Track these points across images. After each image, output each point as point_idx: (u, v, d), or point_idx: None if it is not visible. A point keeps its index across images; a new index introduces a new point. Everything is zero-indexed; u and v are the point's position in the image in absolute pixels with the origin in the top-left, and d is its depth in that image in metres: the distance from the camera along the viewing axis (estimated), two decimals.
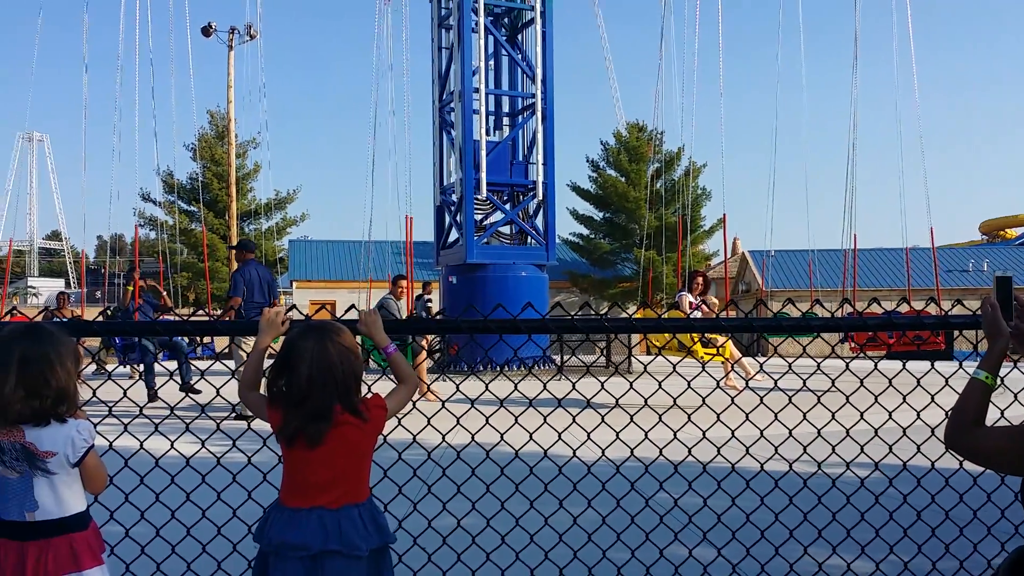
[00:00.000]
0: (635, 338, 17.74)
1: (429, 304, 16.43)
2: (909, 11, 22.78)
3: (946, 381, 3.20)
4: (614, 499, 3.24)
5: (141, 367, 11.34)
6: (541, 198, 16.71)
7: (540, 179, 16.60)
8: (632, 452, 3.19)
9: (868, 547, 3.33)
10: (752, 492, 3.26)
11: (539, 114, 16.50)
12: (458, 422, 3.13)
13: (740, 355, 10.54)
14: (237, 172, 34.12)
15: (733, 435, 3.27)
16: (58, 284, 66.49)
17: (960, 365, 3.11)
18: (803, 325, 3.07)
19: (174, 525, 3.04)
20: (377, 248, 29.94)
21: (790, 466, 3.28)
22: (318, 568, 2.32)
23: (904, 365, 3.33)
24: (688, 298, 10.52)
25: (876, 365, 3.33)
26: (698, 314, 10.37)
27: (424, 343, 10.15)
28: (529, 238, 17.01)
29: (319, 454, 2.37)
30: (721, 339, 10.01)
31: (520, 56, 17.12)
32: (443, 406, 3.30)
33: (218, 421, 3.06)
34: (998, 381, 2.08)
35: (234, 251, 10.60)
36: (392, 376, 2.65)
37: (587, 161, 40.09)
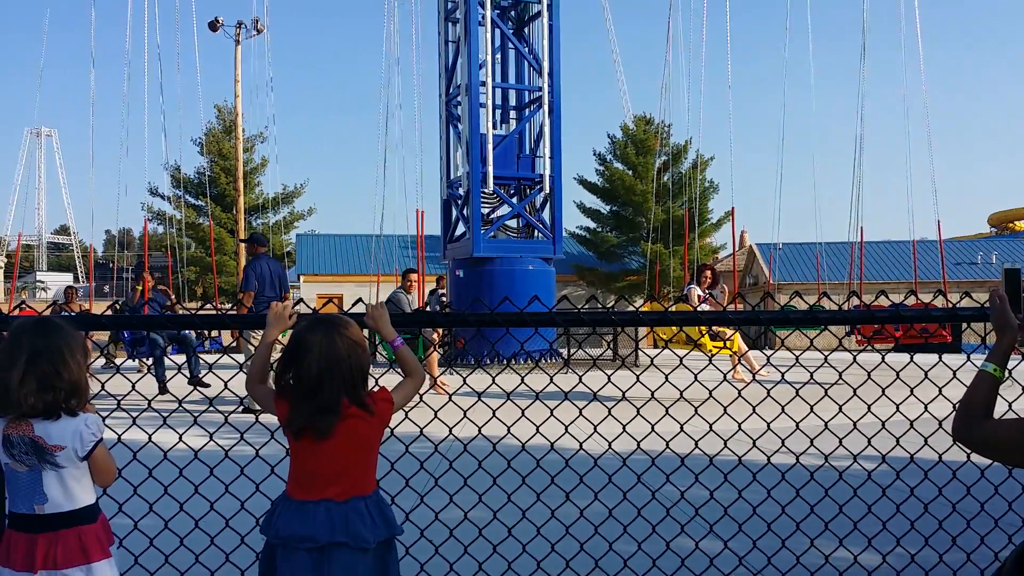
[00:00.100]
0: (642, 331, 17.74)
1: (443, 298, 16.44)
2: (917, 2, 22.64)
3: (954, 374, 3.20)
4: (621, 492, 3.24)
5: (149, 361, 11.39)
6: (548, 191, 16.70)
7: (547, 172, 16.59)
8: (639, 445, 3.20)
9: (875, 540, 3.33)
10: (759, 485, 3.26)
11: (546, 107, 16.48)
12: (465, 415, 3.14)
13: (747, 349, 10.54)
14: (245, 166, 34.16)
15: (740, 428, 3.27)
16: (66, 278, 66.73)
17: (968, 358, 3.11)
18: (810, 318, 3.07)
19: (182, 518, 3.06)
20: (385, 242, 29.96)
21: (797, 459, 3.28)
22: (325, 560, 2.33)
23: (912, 358, 3.33)
24: (697, 291, 10.52)
25: (883, 358, 3.32)
26: (706, 307, 10.37)
27: (435, 336, 10.18)
28: (536, 231, 17.00)
29: (326, 447, 2.38)
30: (729, 332, 10.01)
31: (527, 49, 17.09)
32: (450, 399, 3.31)
33: (226, 414, 3.07)
34: (1006, 373, 2.07)
35: (245, 245, 10.61)
36: (399, 369, 2.66)
37: (594, 154, 40.06)
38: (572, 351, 14.64)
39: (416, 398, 2.70)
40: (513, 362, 13.31)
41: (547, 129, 16.51)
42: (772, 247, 36.89)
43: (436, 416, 3.16)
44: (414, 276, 11.81)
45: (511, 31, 17.08)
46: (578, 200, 40.34)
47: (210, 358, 15.01)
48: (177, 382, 10.80)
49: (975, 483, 3.33)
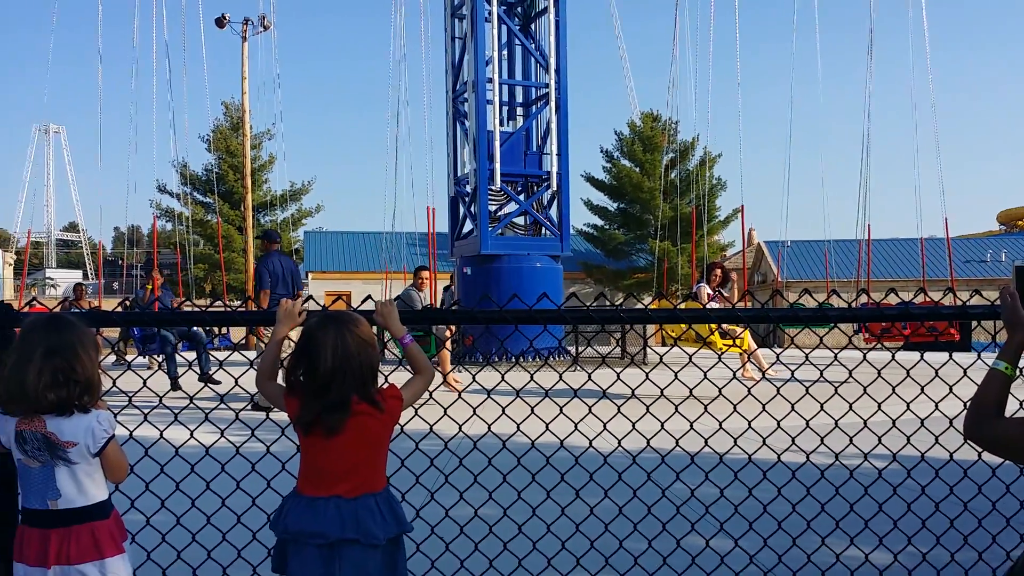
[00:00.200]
0: (650, 329, 17.72)
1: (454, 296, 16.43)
2: (924, 1, 22.54)
3: (964, 372, 3.18)
4: (631, 489, 3.24)
5: (160, 357, 11.43)
6: (555, 189, 16.68)
7: (554, 169, 16.57)
8: (648, 443, 3.19)
9: (886, 538, 3.32)
10: (769, 483, 3.25)
11: (553, 104, 16.45)
12: (475, 412, 3.15)
13: (756, 347, 10.52)
14: (252, 163, 34.21)
15: (750, 426, 3.27)
16: (75, 275, 67.02)
17: (979, 356, 3.09)
18: (820, 315, 3.06)
19: (194, 514, 3.07)
20: (393, 239, 29.98)
21: (807, 457, 3.28)
22: (336, 556, 2.34)
23: (922, 356, 3.32)
24: (706, 289, 10.50)
25: (894, 356, 3.31)
26: (715, 306, 10.35)
27: (448, 333, 10.18)
28: (543, 229, 16.98)
29: (336, 443, 2.39)
30: (739, 330, 9.99)
31: (534, 46, 17.07)
32: (459, 397, 3.31)
33: (237, 411, 3.08)
34: (1018, 372, 2.07)
35: (259, 242, 10.64)
36: (408, 366, 2.66)
37: (601, 151, 40.00)
38: (581, 349, 14.62)
39: (426, 395, 2.70)
40: (522, 360, 13.31)
41: (554, 126, 16.48)
42: (780, 244, 36.81)
43: (446, 413, 3.16)
44: (426, 273, 11.81)
45: (518, 27, 17.05)
46: (585, 197, 40.33)
47: (220, 355, 15.06)
48: (188, 379, 10.84)
49: (986, 482, 3.32)
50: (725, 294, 10.68)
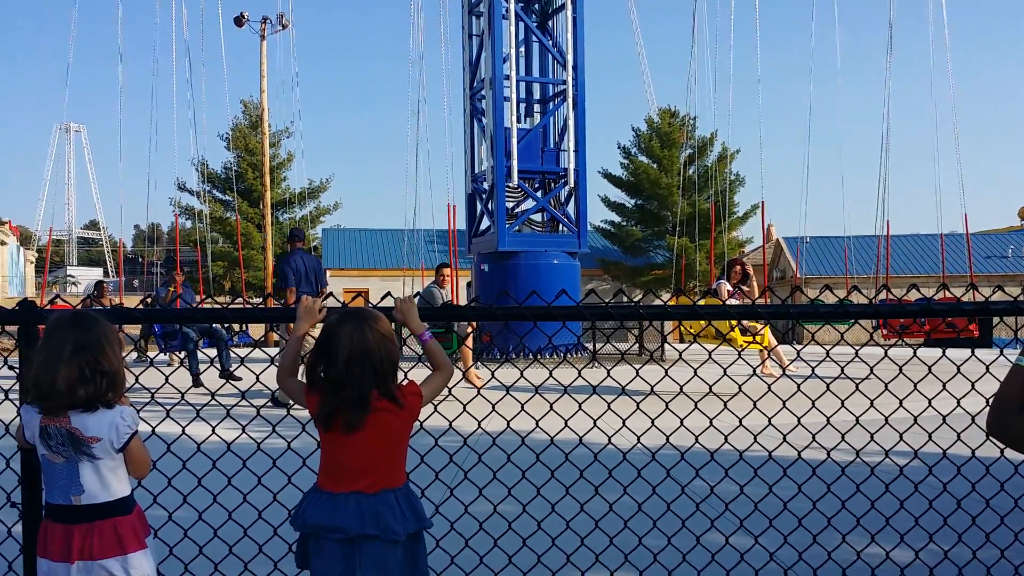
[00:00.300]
0: (668, 326, 17.66)
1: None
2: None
3: (987, 368, 3.16)
4: (650, 486, 3.24)
5: (182, 354, 11.52)
6: (572, 185, 16.66)
7: (571, 166, 16.54)
8: (668, 439, 3.19)
9: (907, 536, 3.30)
10: (789, 480, 3.24)
11: (570, 101, 16.43)
12: (493, 408, 3.15)
13: (776, 343, 10.47)
14: (271, 161, 34.39)
15: (770, 422, 3.25)
16: (96, 273, 67.58)
17: (1001, 352, 3.07)
18: (840, 311, 3.04)
19: (216, 509, 3.09)
20: (412, 236, 30.06)
21: (828, 454, 3.26)
22: (356, 552, 2.36)
23: (944, 352, 3.29)
24: (726, 286, 10.45)
25: (915, 352, 3.28)
26: (735, 302, 10.30)
27: (469, 329, 10.21)
28: (561, 225, 16.97)
29: (356, 439, 2.40)
30: (760, 326, 9.95)
31: (551, 42, 17.04)
32: (479, 393, 3.32)
33: (258, 407, 3.10)
34: None
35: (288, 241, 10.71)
36: (428, 363, 2.67)
37: (618, 148, 39.91)
38: (599, 345, 14.61)
39: (445, 391, 2.71)
40: (540, 356, 13.32)
41: (571, 122, 16.45)
42: (799, 240, 36.60)
43: (465, 409, 3.17)
44: (447, 271, 11.85)
45: (535, 24, 17.03)
46: (603, 194, 40.29)
47: (241, 352, 15.14)
48: (209, 375, 10.91)
49: (1009, 479, 3.29)
50: (745, 290, 10.63)
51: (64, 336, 2.37)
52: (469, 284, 16.78)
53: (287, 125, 40.25)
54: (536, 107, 17.71)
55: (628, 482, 3.27)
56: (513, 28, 16.34)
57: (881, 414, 3.18)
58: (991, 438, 2.02)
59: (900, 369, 3.17)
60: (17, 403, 2.63)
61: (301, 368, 2.62)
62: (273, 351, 9.67)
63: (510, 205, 16.61)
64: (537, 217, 17.21)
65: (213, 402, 3.11)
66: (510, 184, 16.22)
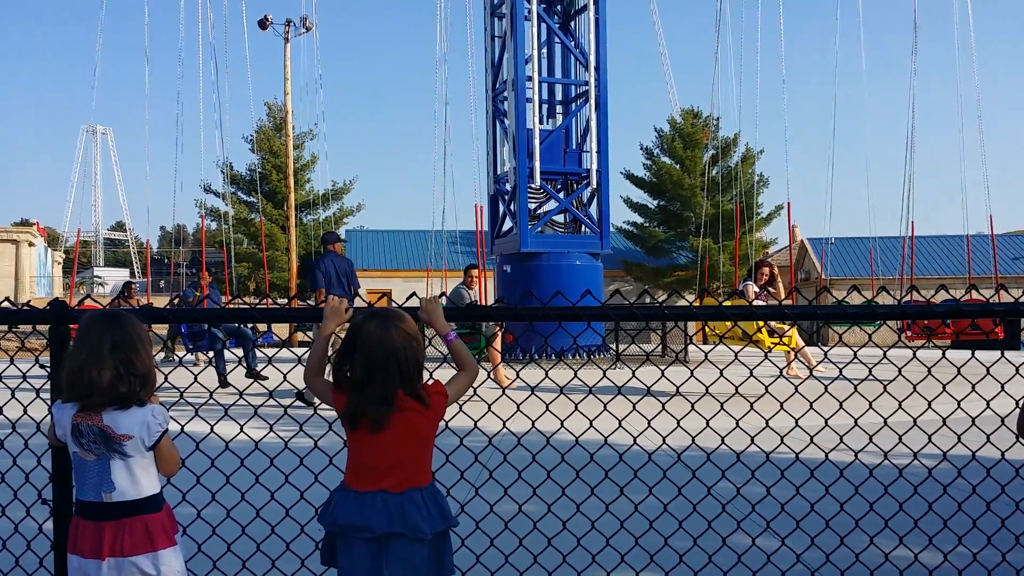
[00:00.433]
0: (691, 327, 17.58)
1: None
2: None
3: (1016, 370, 3.12)
4: (675, 487, 3.23)
5: (210, 354, 11.63)
6: (595, 186, 16.64)
7: (594, 167, 16.52)
8: (694, 440, 3.18)
9: (936, 538, 3.27)
10: (817, 482, 3.22)
11: (592, 102, 16.41)
12: (518, 409, 3.16)
13: (804, 344, 10.41)
14: (295, 163, 34.61)
15: (797, 424, 3.23)
16: (123, 274, 68.32)
17: None
18: (867, 312, 3.02)
19: (244, 507, 3.12)
20: (434, 237, 30.12)
21: (855, 456, 3.24)
22: (383, 550, 2.37)
23: (973, 354, 3.26)
24: (753, 288, 10.40)
25: (944, 354, 3.25)
26: (761, 304, 10.24)
27: (497, 330, 10.23)
28: (583, 227, 16.95)
29: (382, 438, 2.41)
30: (787, 328, 9.89)
31: (573, 43, 17.03)
32: (503, 393, 3.32)
33: (285, 406, 3.13)
34: None
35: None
36: (453, 363, 2.68)
37: (641, 148, 39.79)
38: (624, 346, 14.58)
39: (470, 391, 2.72)
40: (564, 357, 13.30)
41: (594, 123, 16.43)
42: (824, 242, 36.32)
43: (490, 409, 3.17)
44: (475, 272, 11.91)
45: (557, 25, 17.03)
46: (625, 195, 40.16)
47: (268, 352, 15.24)
48: (236, 375, 11.00)
49: None
50: (771, 292, 10.57)
51: (100, 335, 2.40)
52: None
53: (311, 127, 40.47)
54: (558, 108, 17.71)
55: (654, 483, 3.26)
56: (535, 29, 16.35)
57: (909, 416, 3.16)
58: (1020, 440, 2.00)
59: (929, 371, 3.14)
60: (48, 402, 2.67)
61: (328, 367, 2.64)
62: (300, 351, 9.75)
63: (532, 206, 16.61)
64: (559, 218, 17.20)
65: (241, 401, 3.14)
66: (532, 185, 16.22)
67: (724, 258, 34.54)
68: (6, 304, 3.10)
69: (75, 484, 2.50)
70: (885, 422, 3.17)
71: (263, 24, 30.85)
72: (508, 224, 17.28)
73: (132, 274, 68.79)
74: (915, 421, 3.18)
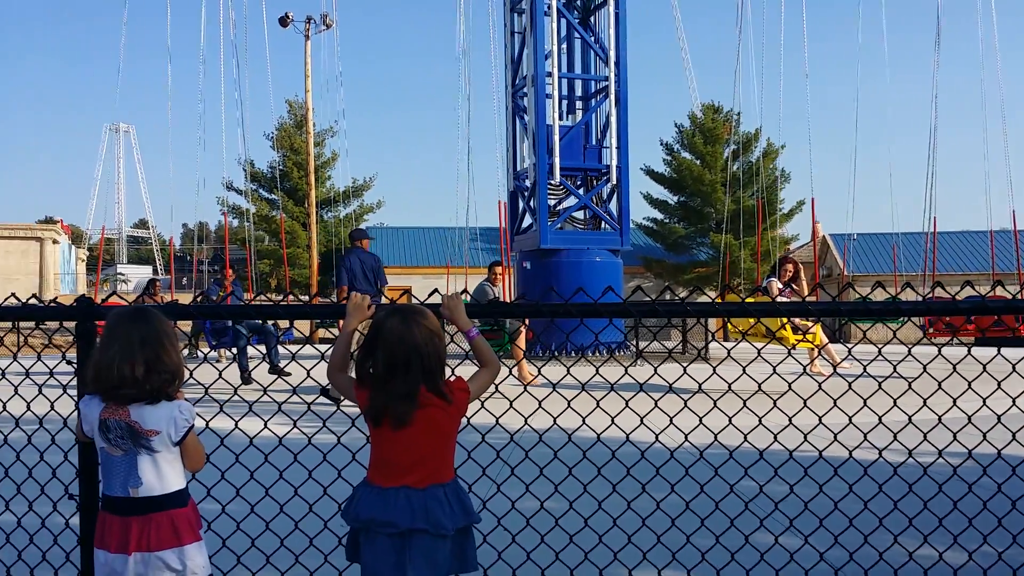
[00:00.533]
0: (712, 324, 17.51)
1: None
2: None
3: None
4: (698, 485, 3.22)
5: (234, 350, 11.71)
6: (615, 182, 16.60)
7: (614, 163, 16.48)
8: (716, 437, 3.17)
9: (961, 537, 3.24)
10: (840, 480, 3.20)
11: (612, 97, 16.36)
12: (540, 405, 3.16)
13: (828, 341, 10.35)
14: (315, 160, 34.76)
15: (820, 421, 3.21)
16: (146, 271, 68.90)
17: None
18: (891, 308, 2.99)
19: (268, 502, 3.14)
20: (452, 234, 30.18)
21: (880, 454, 3.21)
22: (406, 545, 2.38)
23: (999, 351, 3.22)
24: (776, 284, 10.35)
25: (969, 351, 3.22)
26: (785, 300, 10.19)
27: (521, 327, 10.24)
28: (603, 223, 16.92)
29: (405, 435, 2.42)
30: (812, 325, 9.83)
31: (593, 39, 16.99)
32: (525, 389, 3.32)
33: (309, 402, 3.15)
34: None
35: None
36: (475, 360, 2.68)
37: (661, 144, 39.63)
38: (646, 343, 14.54)
39: (491, 388, 2.72)
40: (585, 353, 13.28)
41: (613, 119, 16.39)
42: (846, 237, 36.05)
43: (512, 406, 3.18)
44: (499, 268, 11.93)
45: (577, 20, 17.00)
46: (645, 191, 39.99)
47: (292, 348, 15.33)
48: (260, 371, 11.07)
49: None
50: (795, 288, 10.51)
51: (129, 330, 2.42)
52: None
53: (331, 124, 40.70)
54: (578, 104, 17.68)
55: (676, 480, 3.25)
56: (555, 25, 16.33)
57: (934, 413, 3.13)
58: None
59: (954, 368, 3.11)
60: (75, 397, 2.70)
61: (351, 364, 2.66)
62: (322, 347, 9.81)
63: (552, 202, 16.60)
64: (579, 214, 17.18)
65: (265, 397, 3.16)
66: (552, 181, 16.20)
67: (745, 254, 34.35)
68: (33, 301, 3.13)
69: (102, 479, 2.52)
70: (910, 420, 3.14)
71: (284, 22, 31.02)
72: (528, 221, 17.28)
73: (155, 271, 69.39)
74: (940, 419, 3.15)
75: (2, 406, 3.27)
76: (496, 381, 2.70)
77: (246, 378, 10.40)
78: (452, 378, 2.54)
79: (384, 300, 2.90)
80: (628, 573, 3.17)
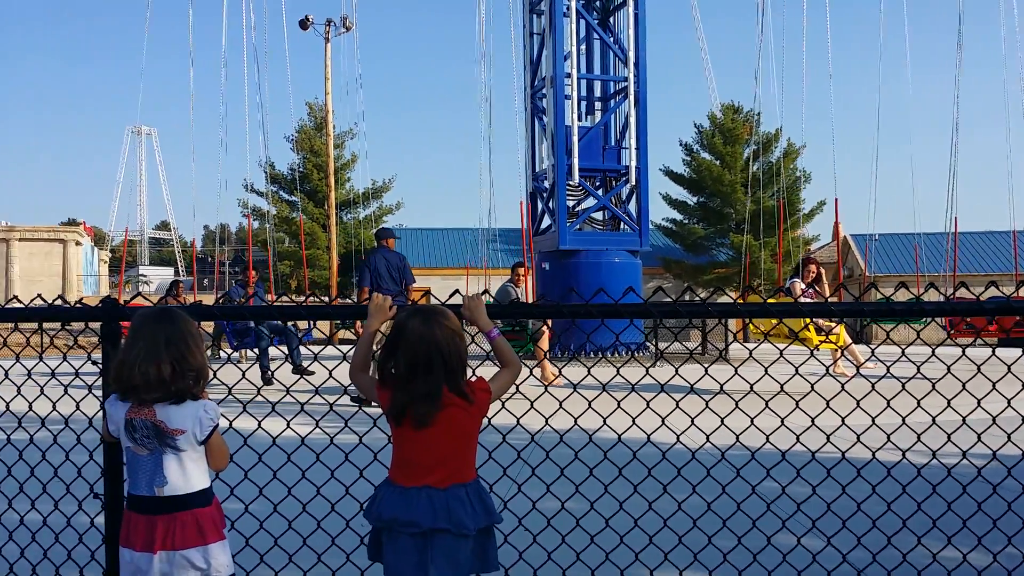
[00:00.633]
0: (732, 325, 17.42)
1: None
2: None
3: None
4: (719, 486, 3.21)
5: (255, 351, 11.77)
6: (634, 183, 16.57)
7: (633, 164, 16.45)
8: (738, 439, 3.16)
9: (985, 538, 3.22)
10: (863, 481, 3.18)
11: (631, 98, 16.34)
12: (561, 406, 3.16)
13: (851, 341, 10.29)
14: (335, 162, 34.91)
15: (843, 422, 3.19)
16: (167, 272, 69.47)
17: None
18: (915, 309, 2.97)
19: (290, 502, 3.16)
20: (470, 235, 30.23)
21: (903, 455, 3.19)
22: (428, 545, 2.39)
23: None
24: (799, 285, 10.32)
25: (994, 351, 3.19)
26: (808, 301, 10.13)
27: (544, 329, 10.21)
28: (622, 224, 16.89)
29: (427, 435, 2.43)
30: (835, 326, 9.78)
31: (612, 39, 16.97)
32: (546, 390, 3.33)
33: (331, 402, 3.17)
34: None
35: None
36: (496, 360, 2.69)
37: (680, 144, 39.47)
38: (667, 344, 14.50)
39: (512, 388, 2.73)
40: (604, 354, 13.29)
41: (633, 120, 16.36)
42: (867, 238, 35.78)
43: (532, 406, 3.18)
44: (522, 270, 11.95)
45: (596, 21, 16.98)
46: (664, 191, 39.85)
47: (313, 349, 15.40)
48: (282, 372, 11.13)
49: None
50: (818, 290, 10.47)
51: (154, 331, 2.45)
52: None
53: (351, 126, 40.81)
54: (597, 105, 17.66)
55: (697, 481, 3.25)
56: (574, 26, 16.32)
57: (958, 414, 3.11)
58: None
59: (978, 368, 3.09)
60: (100, 398, 2.73)
61: (373, 364, 2.67)
62: (344, 348, 9.84)
63: (571, 203, 16.59)
64: (598, 215, 17.16)
65: (287, 398, 3.18)
66: (571, 182, 16.19)
67: (765, 255, 34.15)
68: (58, 302, 3.17)
69: (128, 478, 2.55)
70: (933, 421, 3.12)
71: (304, 24, 31.19)
72: (547, 222, 17.28)
73: (176, 273, 69.91)
74: (964, 420, 3.12)
75: (28, 406, 3.31)
76: (517, 382, 2.70)
77: (268, 378, 10.45)
78: (473, 378, 2.54)
79: (408, 300, 2.91)
80: (649, 573, 3.17)
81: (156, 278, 62.12)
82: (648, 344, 15.58)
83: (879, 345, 3.36)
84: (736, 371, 3.18)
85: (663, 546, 3.20)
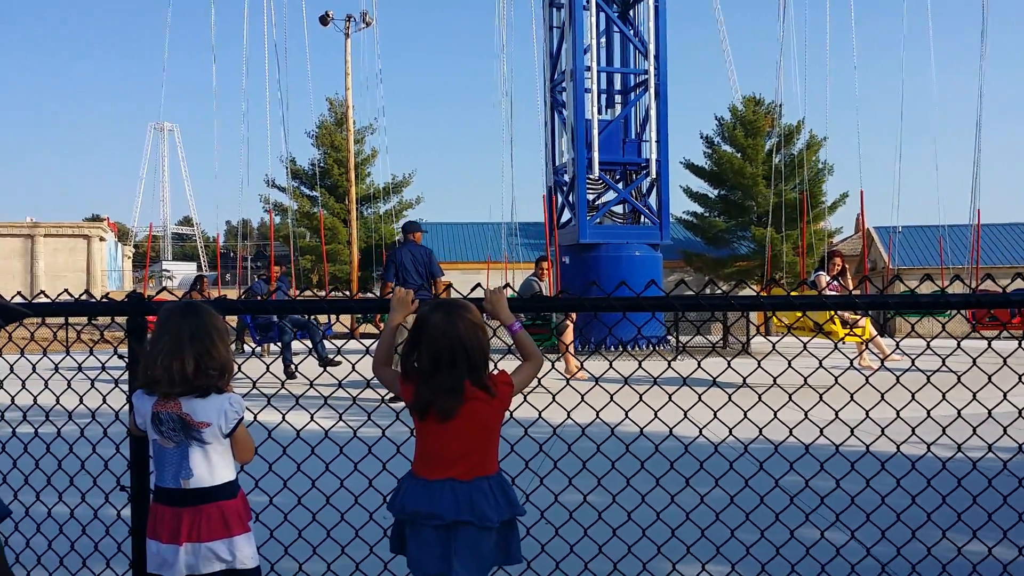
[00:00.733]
0: (754, 318, 17.33)
1: None
2: None
3: None
4: (742, 479, 3.20)
5: (279, 344, 11.86)
6: (654, 176, 16.50)
7: (653, 157, 16.38)
8: (761, 432, 3.14)
9: (1011, 532, 3.19)
10: (887, 474, 3.16)
11: (652, 91, 16.26)
12: (583, 399, 3.16)
13: (876, 333, 10.24)
14: (356, 157, 35.04)
15: (867, 415, 3.17)
16: (190, 268, 70.00)
17: None
18: (940, 302, 2.95)
19: (314, 494, 3.18)
20: (488, 229, 30.24)
21: (928, 448, 3.17)
22: (451, 537, 2.40)
23: None
24: (824, 278, 10.29)
25: (1020, 343, 3.16)
26: (832, 294, 10.08)
27: (568, 323, 10.20)
28: (642, 217, 16.83)
29: (450, 428, 2.44)
30: (860, 319, 9.73)
31: (632, 32, 16.90)
32: (568, 383, 3.33)
33: (354, 396, 3.19)
34: None
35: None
36: (518, 354, 2.69)
37: (701, 137, 39.31)
38: (689, 338, 14.45)
39: (534, 382, 2.73)
40: (625, 348, 13.26)
41: (653, 113, 16.29)
42: (891, 230, 35.48)
43: (554, 400, 3.18)
44: (545, 264, 11.95)
45: (616, 14, 16.90)
46: (685, 184, 39.73)
47: (336, 343, 15.49)
48: (305, 366, 11.21)
49: None
50: (842, 283, 10.44)
51: (181, 325, 2.47)
52: None
53: (371, 121, 40.96)
54: (617, 98, 17.59)
55: (720, 475, 3.24)
56: (594, 19, 16.26)
57: (984, 407, 3.08)
58: None
59: (1004, 361, 3.05)
60: (126, 391, 2.76)
61: (396, 358, 2.68)
62: (367, 342, 9.89)
63: (591, 197, 16.55)
64: (618, 209, 17.10)
65: (311, 391, 3.20)
66: (591, 176, 16.16)
67: (787, 248, 33.94)
68: (85, 297, 3.21)
69: (155, 471, 2.57)
70: (959, 414, 3.09)
71: (324, 20, 31.30)
72: (567, 215, 17.25)
73: (199, 268, 70.46)
74: (990, 413, 3.09)
75: (56, 400, 3.36)
76: (539, 375, 2.71)
77: (291, 372, 10.52)
78: (495, 372, 2.55)
79: (433, 294, 2.92)
80: (672, 567, 3.17)
81: (179, 273, 62.57)
82: (669, 338, 15.53)
83: (903, 338, 3.33)
84: (759, 364, 3.16)
85: (686, 539, 3.19)
